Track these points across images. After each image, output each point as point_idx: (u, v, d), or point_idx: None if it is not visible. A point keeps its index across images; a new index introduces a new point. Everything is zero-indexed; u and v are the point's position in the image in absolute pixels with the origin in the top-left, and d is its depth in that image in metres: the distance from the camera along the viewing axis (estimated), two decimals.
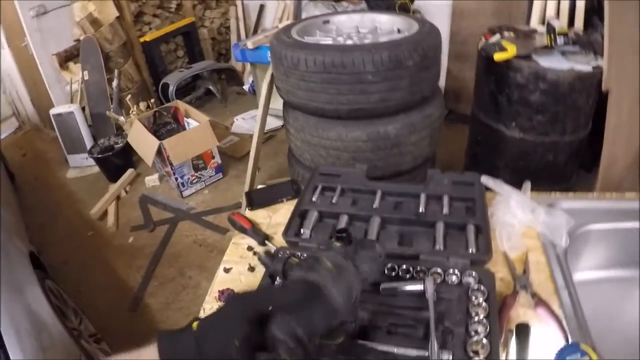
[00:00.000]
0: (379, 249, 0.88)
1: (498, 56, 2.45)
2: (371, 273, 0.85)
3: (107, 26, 4.22)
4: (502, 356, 0.95)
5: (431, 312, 0.93)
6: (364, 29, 2.65)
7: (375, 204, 1.33)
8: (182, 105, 3.95)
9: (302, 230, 1.27)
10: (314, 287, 0.74)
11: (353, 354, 0.89)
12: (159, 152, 3.41)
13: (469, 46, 3.52)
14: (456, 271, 1.08)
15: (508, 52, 2.43)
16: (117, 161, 3.96)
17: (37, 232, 3.43)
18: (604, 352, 0.96)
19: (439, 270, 1.09)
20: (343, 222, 1.29)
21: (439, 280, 1.07)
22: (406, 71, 2.11)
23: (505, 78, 2.55)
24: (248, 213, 1.48)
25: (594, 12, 2.67)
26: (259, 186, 1.62)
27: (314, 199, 1.38)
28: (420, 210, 1.29)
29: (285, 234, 1.26)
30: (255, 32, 5.38)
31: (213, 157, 3.72)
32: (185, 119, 3.90)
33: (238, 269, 1.26)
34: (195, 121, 3.78)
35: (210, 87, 5.15)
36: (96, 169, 4.09)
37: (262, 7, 5.35)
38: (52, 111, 4.09)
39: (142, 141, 3.58)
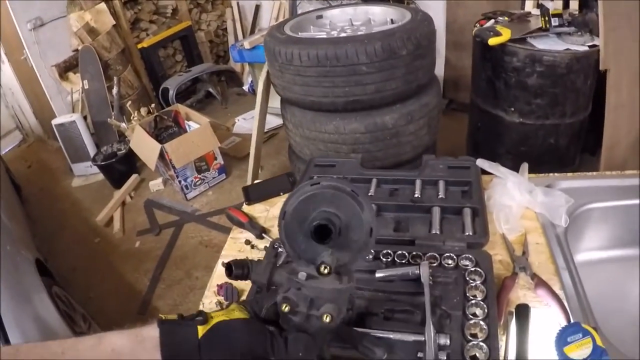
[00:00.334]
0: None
1: (493, 41, 2.43)
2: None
3: (104, 35, 4.24)
4: (502, 338, 0.95)
5: (427, 297, 0.93)
6: (357, 21, 2.64)
7: (371, 192, 1.33)
8: (182, 108, 3.96)
9: None
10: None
11: (350, 341, 0.89)
12: (162, 156, 3.43)
13: (466, 34, 3.49)
14: (452, 254, 1.07)
15: (502, 36, 2.41)
16: (121, 167, 3.98)
17: (45, 241, 3.47)
18: (608, 333, 0.95)
19: (436, 254, 1.09)
20: None
21: (435, 265, 1.06)
22: (401, 60, 2.10)
23: (501, 63, 2.53)
24: (245, 207, 1.48)
25: None
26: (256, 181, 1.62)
27: None
28: (416, 196, 1.28)
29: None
30: (252, 32, 5.38)
31: (215, 159, 3.73)
32: (186, 122, 3.91)
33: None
34: (196, 123, 3.79)
35: (210, 90, 5.16)
36: (100, 176, 4.12)
37: (257, 7, 5.35)
38: (55, 121, 4.12)
39: (144, 146, 3.60)
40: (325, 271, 0.74)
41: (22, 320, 1.78)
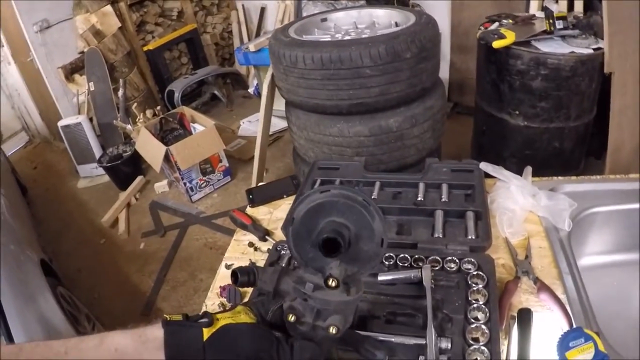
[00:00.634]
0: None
1: (497, 43, 2.43)
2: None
3: (110, 37, 4.27)
4: (504, 342, 0.95)
5: (428, 300, 0.93)
6: (361, 24, 2.65)
7: (374, 195, 1.33)
8: (187, 110, 3.98)
9: None
10: None
11: (352, 343, 0.89)
12: (167, 158, 3.44)
13: (471, 37, 3.49)
14: (454, 258, 1.07)
15: (507, 39, 2.41)
16: (126, 169, 4.00)
17: (51, 241, 3.49)
18: (611, 338, 0.95)
19: (438, 258, 1.09)
20: None
21: (437, 268, 1.06)
22: (405, 63, 2.10)
23: (506, 66, 2.53)
24: (249, 210, 1.49)
25: None
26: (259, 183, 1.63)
27: None
28: (419, 199, 1.28)
29: (284, 228, 1.26)
30: (257, 35, 5.40)
31: (220, 161, 3.74)
32: (191, 124, 3.93)
33: (239, 265, 1.26)
34: (202, 126, 3.81)
35: (216, 92, 5.18)
36: (106, 178, 4.14)
37: (263, 10, 5.37)
38: (61, 123, 4.15)
39: (150, 148, 3.62)
40: (333, 284, 0.72)
41: (26, 320, 1.79)
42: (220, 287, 1.18)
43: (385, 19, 2.61)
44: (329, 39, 2.45)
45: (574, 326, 0.96)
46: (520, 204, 1.26)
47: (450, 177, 1.36)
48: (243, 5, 5.55)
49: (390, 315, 0.97)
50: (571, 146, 2.70)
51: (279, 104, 3.05)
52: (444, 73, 3.90)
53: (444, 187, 1.32)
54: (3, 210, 2.52)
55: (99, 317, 2.55)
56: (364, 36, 2.39)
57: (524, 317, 0.97)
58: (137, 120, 3.98)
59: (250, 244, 1.33)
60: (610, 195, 1.37)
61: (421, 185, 1.33)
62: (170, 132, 3.95)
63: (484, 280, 1.02)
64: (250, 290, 1.13)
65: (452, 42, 3.99)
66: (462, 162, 1.41)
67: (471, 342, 0.90)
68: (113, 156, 4.07)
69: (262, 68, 4.25)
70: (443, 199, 1.28)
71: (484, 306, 0.96)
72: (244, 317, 0.75)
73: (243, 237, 1.38)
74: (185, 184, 3.58)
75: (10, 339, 1.68)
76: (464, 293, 1.00)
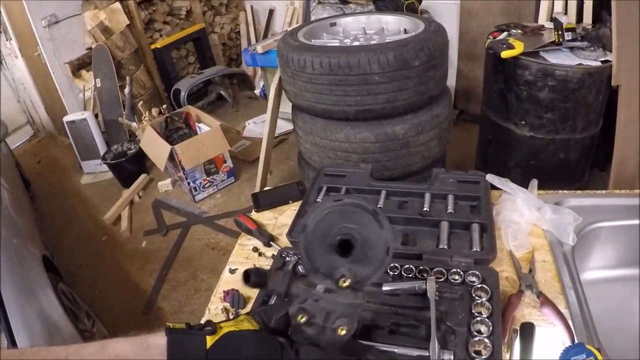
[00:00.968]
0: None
1: (505, 53, 2.43)
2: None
3: (118, 34, 4.27)
4: (506, 356, 0.95)
5: (432, 312, 0.93)
6: (370, 30, 2.65)
7: (380, 204, 1.33)
8: (193, 110, 3.98)
9: None
10: None
11: (355, 353, 0.89)
12: (171, 157, 3.45)
13: (479, 45, 3.50)
14: (459, 270, 1.07)
15: (515, 49, 2.41)
16: (130, 167, 4.01)
17: (53, 237, 3.50)
18: (613, 353, 0.95)
19: (443, 269, 1.09)
20: None
21: (441, 280, 1.07)
22: (413, 71, 2.10)
23: (513, 76, 2.53)
24: (254, 215, 1.49)
25: (603, 7, 2.62)
26: (265, 188, 1.63)
27: (318, 199, 1.39)
28: (425, 209, 1.28)
29: (289, 234, 1.26)
30: (265, 36, 5.41)
31: (225, 162, 3.75)
32: (196, 124, 3.93)
33: (244, 269, 1.27)
34: (207, 126, 3.81)
35: (222, 92, 5.18)
36: (110, 174, 4.15)
37: (271, 12, 5.38)
38: (66, 118, 4.16)
39: (155, 146, 3.62)
40: (345, 284, 0.76)
41: (26, 315, 1.79)
42: (224, 291, 1.18)
43: (394, 25, 2.61)
44: (338, 44, 2.45)
45: (576, 341, 0.96)
46: (525, 217, 1.26)
47: (456, 188, 1.36)
48: (252, 7, 5.56)
49: (393, 325, 0.97)
50: (576, 158, 2.70)
51: (285, 107, 3.05)
52: (451, 80, 3.89)
53: (450, 198, 1.32)
54: (6, 204, 2.53)
55: (99, 314, 2.56)
56: (372, 42, 2.39)
57: (527, 331, 0.97)
58: (142, 118, 3.99)
59: (255, 249, 1.34)
60: (615, 211, 1.37)
61: (427, 196, 1.33)
62: (175, 131, 3.96)
63: (488, 294, 1.02)
64: (253, 295, 1.14)
65: (460, 50, 3.99)
66: (469, 173, 1.41)
67: (473, 355, 0.90)
68: (117, 153, 4.08)
69: (269, 70, 4.26)
70: (449, 210, 1.29)
71: (487, 319, 0.96)
72: (247, 324, 0.76)
73: (247, 242, 1.38)
74: (189, 183, 3.58)
75: (10, 334, 1.68)
76: (468, 306, 1.00)
